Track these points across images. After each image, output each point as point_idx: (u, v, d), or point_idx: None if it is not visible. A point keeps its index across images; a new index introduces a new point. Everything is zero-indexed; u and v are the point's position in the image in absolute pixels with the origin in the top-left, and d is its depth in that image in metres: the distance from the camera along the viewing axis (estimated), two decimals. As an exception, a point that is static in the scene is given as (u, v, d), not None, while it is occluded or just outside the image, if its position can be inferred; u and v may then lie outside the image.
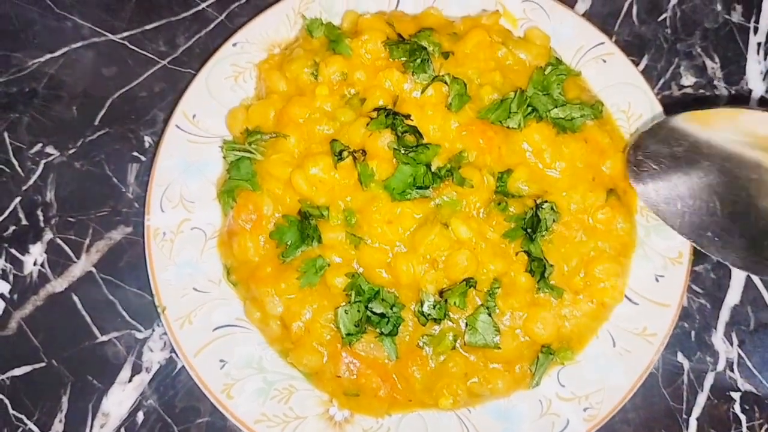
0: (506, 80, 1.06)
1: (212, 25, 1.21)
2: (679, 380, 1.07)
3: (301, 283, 0.98)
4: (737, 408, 1.06)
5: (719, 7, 1.23)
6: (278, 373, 1.01)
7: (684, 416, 1.06)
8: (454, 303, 0.96)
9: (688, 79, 1.20)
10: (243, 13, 1.21)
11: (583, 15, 1.19)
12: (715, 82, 1.20)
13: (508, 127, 1.04)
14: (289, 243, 1.00)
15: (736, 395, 1.07)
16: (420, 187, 0.99)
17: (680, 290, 1.03)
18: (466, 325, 0.97)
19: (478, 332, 0.97)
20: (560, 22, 1.13)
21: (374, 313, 0.97)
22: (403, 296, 0.99)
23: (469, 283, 0.97)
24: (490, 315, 0.97)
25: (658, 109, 1.09)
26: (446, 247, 0.97)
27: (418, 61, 1.04)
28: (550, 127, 1.04)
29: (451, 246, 0.97)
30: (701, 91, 1.19)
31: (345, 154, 1.00)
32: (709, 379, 1.07)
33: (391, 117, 1.00)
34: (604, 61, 1.12)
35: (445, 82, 1.04)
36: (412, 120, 1.02)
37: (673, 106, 1.17)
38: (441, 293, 0.97)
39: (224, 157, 1.06)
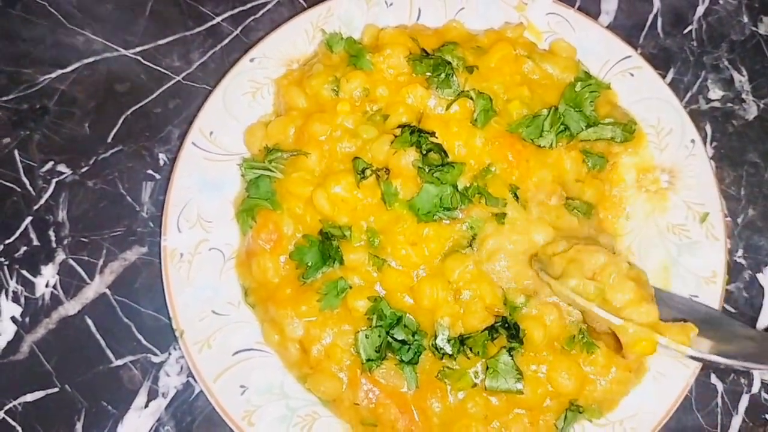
0: (534, 95, 1.03)
1: (227, 40, 1.18)
2: (713, 403, 1.04)
3: (322, 305, 0.95)
4: (773, 431, 1.04)
5: (746, 19, 1.21)
6: (301, 398, 0.97)
7: (718, 440, 1.03)
8: (476, 352, 0.92)
9: (716, 93, 1.17)
10: (258, 27, 1.19)
11: (607, 27, 1.16)
12: (743, 96, 1.17)
13: (539, 146, 1.01)
14: (309, 264, 0.97)
15: (771, 418, 1.05)
16: (447, 209, 0.96)
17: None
18: (487, 368, 0.93)
19: (500, 375, 0.92)
20: (585, 35, 1.11)
21: (395, 340, 0.94)
22: (424, 324, 0.95)
23: (493, 335, 0.93)
24: (512, 357, 0.92)
25: (689, 124, 1.07)
26: (477, 282, 0.94)
27: (443, 76, 1.02)
28: (582, 157, 1.02)
29: (481, 279, 0.94)
30: (729, 104, 1.17)
31: (368, 172, 0.97)
32: (743, 402, 1.04)
33: (416, 134, 0.98)
34: (632, 75, 1.09)
35: (471, 98, 1.01)
36: (436, 137, 0.99)
37: (701, 120, 1.14)
38: (462, 341, 0.93)
39: (243, 176, 1.04)
